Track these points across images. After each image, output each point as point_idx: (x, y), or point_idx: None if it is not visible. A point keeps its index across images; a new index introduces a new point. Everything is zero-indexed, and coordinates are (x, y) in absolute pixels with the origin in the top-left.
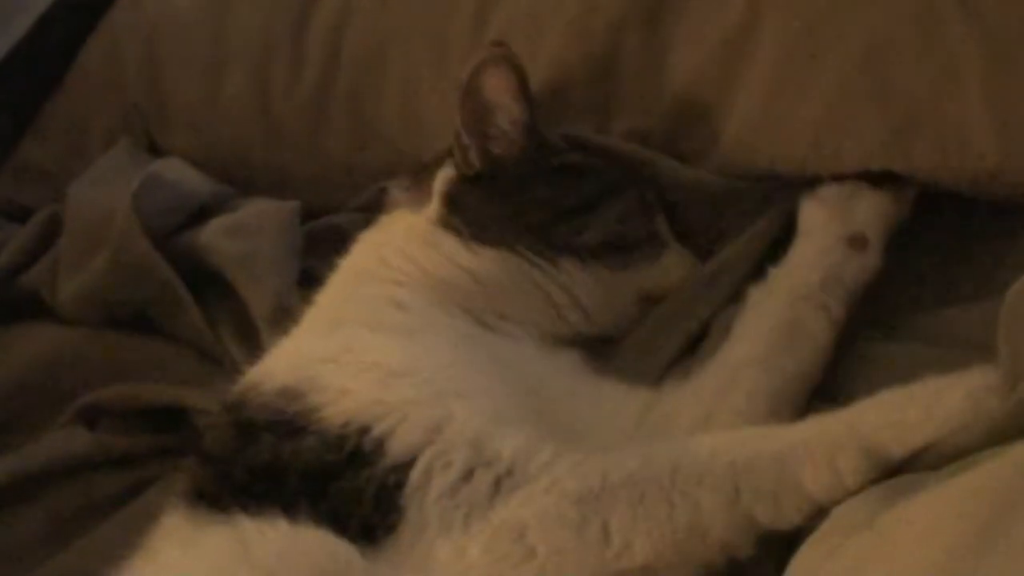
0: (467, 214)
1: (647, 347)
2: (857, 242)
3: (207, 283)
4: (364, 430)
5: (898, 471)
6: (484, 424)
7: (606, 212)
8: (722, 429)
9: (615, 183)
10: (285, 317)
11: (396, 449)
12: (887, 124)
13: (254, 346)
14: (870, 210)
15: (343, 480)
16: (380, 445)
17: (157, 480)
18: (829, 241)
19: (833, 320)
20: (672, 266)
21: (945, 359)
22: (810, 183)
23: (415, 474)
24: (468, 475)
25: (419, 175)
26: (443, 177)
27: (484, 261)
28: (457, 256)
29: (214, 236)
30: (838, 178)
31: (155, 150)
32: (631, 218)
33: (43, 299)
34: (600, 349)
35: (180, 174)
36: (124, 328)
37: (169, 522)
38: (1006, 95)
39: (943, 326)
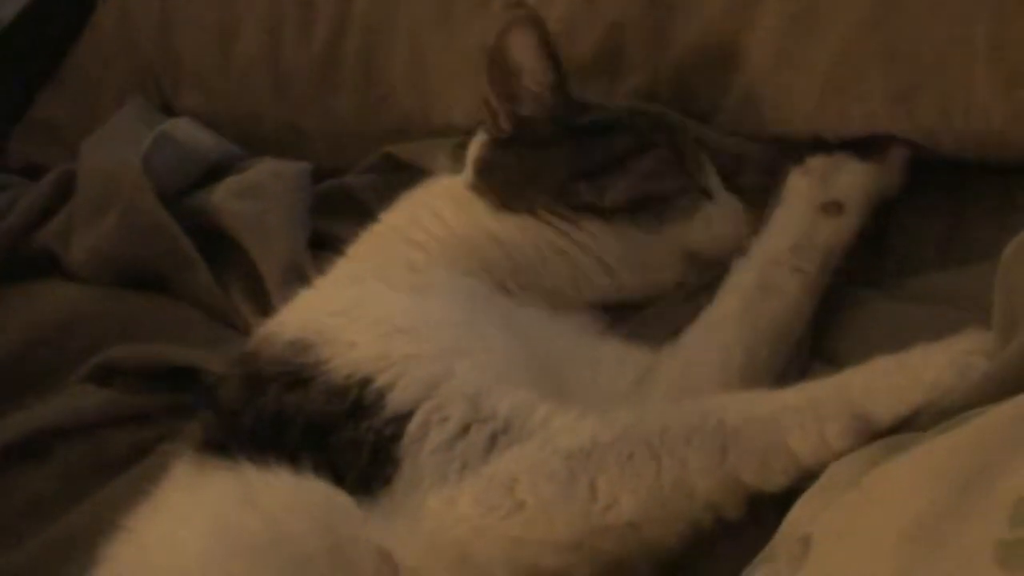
0: (496, 180)
1: (663, 311)
2: (831, 208)
3: (218, 243)
4: (366, 382)
5: (889, 434)
6: (483, 381)
7: (632, 170)
8: (700, 383)
9: (645, 139)
10: (295, 277)
11: (395, 402)
12: (892, 85)
13: (264, 307)
14: (851, 180)
15: (343, 431)
16: (380, 397)
17: (168, 438)
18: (802, 208)
19: (807, 280)
20: (714, 220)
21: (945, 319)
22: (819, 144)
23: (412, 427)
24: (464, 430)
25: (465, 138)
26: (476, 143)
27: (509, 228)
28: (485, 222)
29: (225, 197)
30: (843, 142)
31: (167, 109)
32: (660, 175)
33: (57, 257)
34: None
35: (191, 134)
36: (136, 287)
37: (177, 470)
38: (1013, 55)
39: (943, 286)
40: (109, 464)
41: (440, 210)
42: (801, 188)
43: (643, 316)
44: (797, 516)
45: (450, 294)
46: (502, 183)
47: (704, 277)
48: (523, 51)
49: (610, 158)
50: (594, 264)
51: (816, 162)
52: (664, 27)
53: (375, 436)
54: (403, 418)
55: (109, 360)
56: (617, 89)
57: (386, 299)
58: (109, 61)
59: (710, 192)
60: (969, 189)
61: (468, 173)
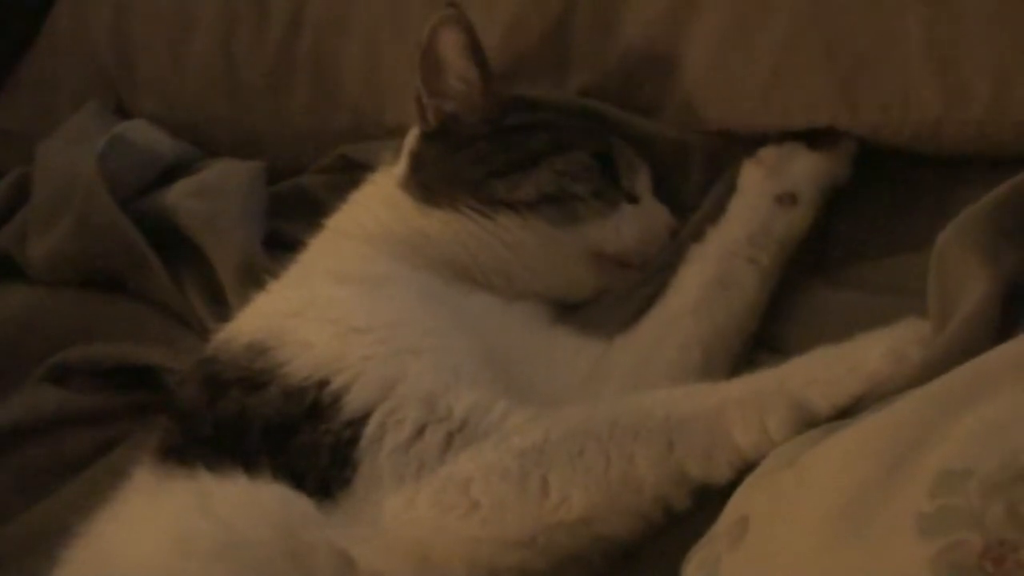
0: (424, 174)
1: (614, 301)
2: (786, 199)
3: (174, 244)
4: (323, 384)
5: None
6: (438, 382)
7: (547, 168)
8: (657, 378)
9: (565, 141)
10: (250, 276)
11: (352, 404)
12: (833, 79)
13: (221, 306)
14: (804, 170)
15: (302, 434)
16: (337, 400)
17: (125, 438)
18: (758, 199)
19: (763, 272)
20: (626, 225)
21: (889, 307)
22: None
23: (369, 429)
24: (420, 431)
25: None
26: (411, 135)
27: (435, 223)
28: (413, 218)
29: (180, 197)
30: (787, 136)
31: (123, 112)
32: (574, 175)
33: (13, 260)
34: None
35: (146, 135)
36: (93, 288)
37: (137, 476)
38: (948, 46)
39: (887, 275)
40: (65, 465)
41: (375, 210)
42: (755, 179)
43: (597, 305)
44: (738, 499)
45: (404, 289)
46: (428, 179)
47: (627, 283)
48: (449, 49)
49: (526, 156)
50: (512, 258)
51: (768, 152)
52: (610, 23)
53: (333, 439)
54: (360, 420)
55: (66, 360)
56: (564, 84)
57: (341, 299)
58: (65, 65)
59: (636, 197)
60: (910, 179)
61: (401, 166)
